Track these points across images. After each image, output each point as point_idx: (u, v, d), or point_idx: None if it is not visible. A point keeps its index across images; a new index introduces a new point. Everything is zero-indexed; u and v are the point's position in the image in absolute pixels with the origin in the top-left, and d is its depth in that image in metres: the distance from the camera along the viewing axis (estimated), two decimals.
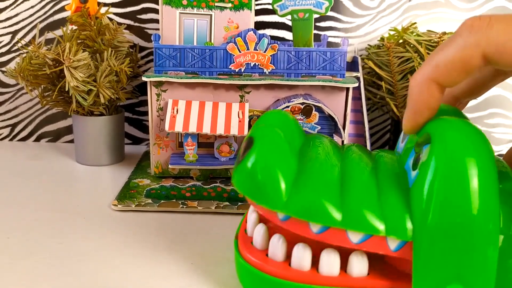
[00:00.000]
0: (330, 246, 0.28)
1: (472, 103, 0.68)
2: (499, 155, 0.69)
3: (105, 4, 0.65)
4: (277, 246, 0.29)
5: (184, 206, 0.46)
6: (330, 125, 0.49)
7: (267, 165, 0.27)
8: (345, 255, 0.28)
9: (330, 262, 0.28)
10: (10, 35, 0.67)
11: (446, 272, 0.25)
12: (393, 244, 0.26)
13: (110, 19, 0.62)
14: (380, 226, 0.26)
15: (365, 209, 0.26)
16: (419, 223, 0.25)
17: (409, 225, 0.26)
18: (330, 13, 0.65)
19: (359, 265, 0.28)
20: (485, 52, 0.25)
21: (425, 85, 0.27)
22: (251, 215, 0.33)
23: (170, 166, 0.52)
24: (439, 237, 0.25)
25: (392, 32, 0.62)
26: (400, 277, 0.28)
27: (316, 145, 0.32)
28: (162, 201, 0.47)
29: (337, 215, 0.26)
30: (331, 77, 0.51)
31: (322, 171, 0.29)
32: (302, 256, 0.29)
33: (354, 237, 0.27)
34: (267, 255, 0.30)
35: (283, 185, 0.27)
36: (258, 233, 0.31)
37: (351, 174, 0.29)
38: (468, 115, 0.68)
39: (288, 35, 0.66)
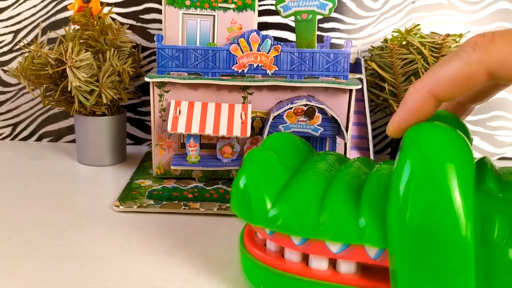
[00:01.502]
0: None
1: None
2: (502, 157, 0.69)
3: (108, 4, 0.65)
4: None
5: (186, 208, 0.46)
6: (333, 127, 0.49)
7: (253, 184, 0.29)
8: None
9: (318, 258, 0.29)
10: (12, 34, 0.66)
11: (422, 278, 0.25)
12: (372, 252, 0.27)
13: (113, 19, 0.62)
14: (355, 234, 0.27)
15: (339, 219, 0.27)
16: (391, 230, 0.25)
17: (382, 233, 0.26)
18: (333, 15, 0.64)
19: (346, 264, 0.29)
20: (489, 68, 0.25)
21: (423, 96, 0.27)
22: None
23: (172, 167, 0.51)
24: (410, 242, 0.25)
25: (395, 34, 0.62)
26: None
27: (315, 162, 0.33)
28: (164, 202, 0.47)
29: (313, 227, 0.28)
30: (334, 78, 0.51)
31: (304, 187, 0.30)
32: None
33: (333, 247, 0.28)
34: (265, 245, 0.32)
35: (267, 202, 0.29)
36: None
37: (334, 188, 0.30)
38: (471, 118, 0.68)
39: (291, 36, 0.66)
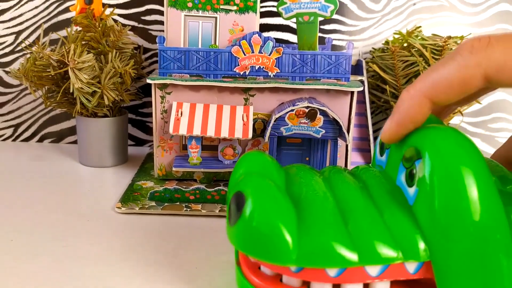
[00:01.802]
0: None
1: (476, 107, 0.68)
2: None
3: (110, 6, 0.65)
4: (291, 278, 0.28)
5: (188, 209, 0.46)
6: (334, 128, 0.49)
7: (270, 220, 0.26)
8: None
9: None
10: (14, 35, 0.67)
11: (470, 284, 0.25)
12: (411, 267, 0.26)
13: (115, 21, 0.62)
14: (396, 253, 0.26)
15: (377, 240, 0.26)
16: (433, 241, 0.25)
17: (422, 245, 0.26)
18: (334, 16, 0.64)
19: (383, 284, 0.28)
20: (487, 72, 0.25)
21: (418, 100, 0.27)
22: None
23: (173, 169, 0.51)
24: (455, 251, 0.25)
25: (396, 36, 0.62)
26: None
27: (300, 181, 0.31)
28: (165, 204, 0.47)
29: (352, 255, 0.26)
30: (335, 80, 0.51)
31: (321, 212, 0.28)
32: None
33: (373, 271, 0.26)
34: (280, 280, 0.29)
35: (289, 238, 0.26)
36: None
37: (347, 203, 0.28)
38: (472, 119, 0.68)
39: (292, 37, 0.66)
